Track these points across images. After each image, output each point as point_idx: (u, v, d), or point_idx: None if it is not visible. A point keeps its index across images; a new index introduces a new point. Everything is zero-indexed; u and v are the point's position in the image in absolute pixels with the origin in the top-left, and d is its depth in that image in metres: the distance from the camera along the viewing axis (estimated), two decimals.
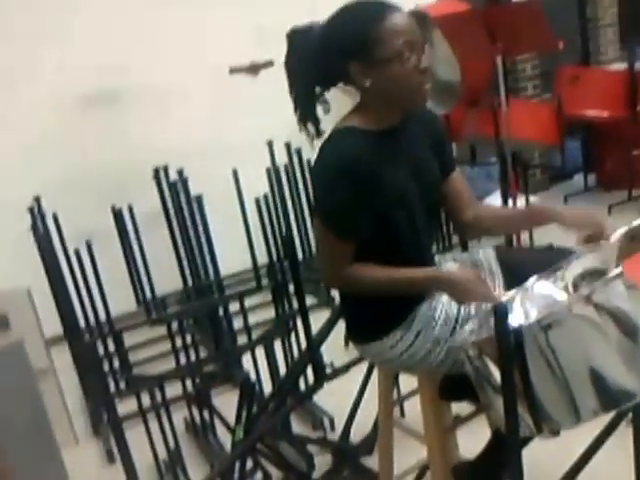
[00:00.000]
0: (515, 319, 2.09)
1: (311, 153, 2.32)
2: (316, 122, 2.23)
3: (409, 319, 2.21)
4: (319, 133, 2.24)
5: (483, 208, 2.46)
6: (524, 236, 4.65)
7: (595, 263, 2.15)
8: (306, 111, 2.22)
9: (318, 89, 2.22)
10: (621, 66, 5.85)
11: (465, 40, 4.56)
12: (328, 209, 2.14)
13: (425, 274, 2.19)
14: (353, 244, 2.15)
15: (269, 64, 4.82)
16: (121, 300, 4.54)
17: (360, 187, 2.06)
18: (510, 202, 4.41)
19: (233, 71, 5.16)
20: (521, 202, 4.85)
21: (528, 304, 2.19)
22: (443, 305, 2.21)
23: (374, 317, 2.24)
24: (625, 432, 2.30)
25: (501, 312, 1.70)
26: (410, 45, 2.03)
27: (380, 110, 2.15)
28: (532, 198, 5.19)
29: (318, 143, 2.22)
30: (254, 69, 5.11)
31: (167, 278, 4.81)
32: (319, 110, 2.24)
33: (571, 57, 6.38)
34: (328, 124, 2.23)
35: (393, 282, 2.16)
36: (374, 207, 2.11)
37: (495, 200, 4.98)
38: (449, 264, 2.42)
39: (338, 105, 2.27)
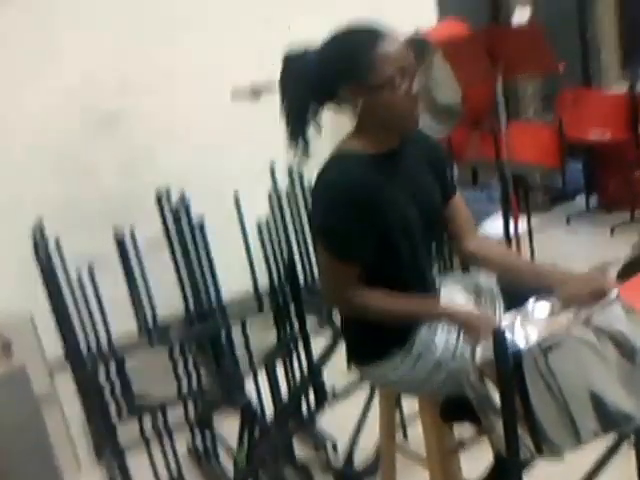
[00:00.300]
0: (515, 342, 2.10)
1: (310, 175, 2.33)
2: (305, 142, 2.24)
3: (410, 342, 2.21)
4: (307, 153, 2.25)
5: (484, 245, 2.41)
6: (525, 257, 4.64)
7: None
8: (297, 130, 2.23)
9: (311, 110, 2.23)
10: (622, 88, 5.87)
11: (466, 63, 4.59)
12: (330, 232, 2.14)
13: (440, 312, 2.19)
14: (357, 266, 2.15)
15: (271, 88, 4.85)
16: (123, 324, 4.53)
17: (361, 210, 2.07)
18: (512, 224, 4.41)
19: (235, 96, 5.20)
20: (523, 224, 4.85)
21: (528, 327, 2.19)
22: (444, 328, 2.21)
23: (375, 339, 2.24)
24: (627, 454, 2.30)
25: (500, 335, 1.70)
26: (402, 71, 2.04)
27: (377, 133, 2.16)
28: (534, 220, 5.20)
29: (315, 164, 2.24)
30: (255, 94, 5.14)
31: (169, 302, 4.80)
32: (311, 130, 2.25)
33: (572, 79, 6.40)
34: (323, 142, 2.24)
35: (402, 314, 2.16)
36: (375, 230, 2.11)
37: (496, 222, 4.99)
38: (455, 292, 2.42)
39: (337, 124, 2.28)
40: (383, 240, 2.14)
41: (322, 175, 2.16)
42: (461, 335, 2.16)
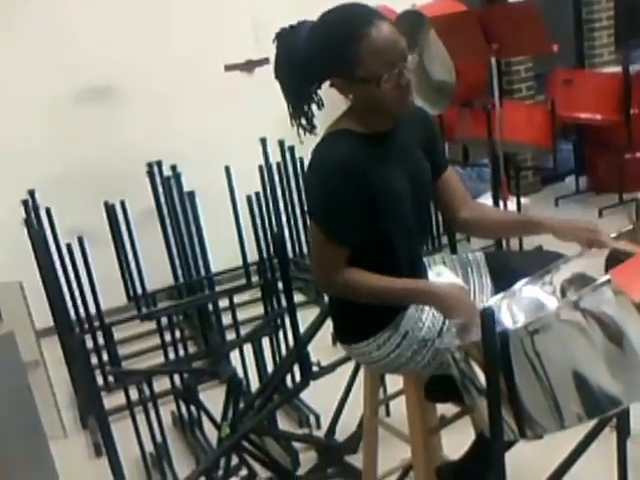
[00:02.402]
0: (502, 322, 2.11)
1: (303, 151, 2.32)
2: (308, 118, 2.23)
3: (396, 320, 2.21)
4: (312, 128, 2.24)
5: (477, 209, 2.43)
6: (514, 239, 4.65)
7: (583, 268, 2.17)
8: (298, 108, 2.22)
9: (309, 89, 2.22)
10: (615, 69, 5.85)
11: (460, 41, 4.58)
12: (325, 214, 2.13)
13: (416, 286, 2.19)
14: (347, 248, 2.15)
15: (264, 61, 4.84)
16: (112, 295, 4.55)
17: (353, 188, 2.06)
18: (501, 204, 4.42)
19: (228, 68, 5.18)
20: (512, 204, 4.86)
21: (515, 307, 2.21)
22: (431, 307, 2.21)
23: (361, 318, 2.24)
24: (609, 437, 2.31)
25: (488, 316, 1.70)
26: (389, 65, 2.01)
27: (369, 117, 2.15)
28: (523, 200, 5.20)
29: (308, 141, 2.23)
30: (249, 66, 5.13)
31: (158, 274, 4.82)
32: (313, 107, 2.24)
33: (566, 59, 6.38)
34: (318, 118, 2.23)
35: (388, 292, 2.16)
36: (367, 207, 2.11)
37: (486, 201, 4.99)
38: (439, 269, 2.42)
39: (332, 100, 2.27)
40: (375, 217, 2.14)
41: (315, 154, 2.15)
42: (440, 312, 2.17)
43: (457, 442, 2.50)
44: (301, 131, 2.24)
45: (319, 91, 2.22)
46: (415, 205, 2.21)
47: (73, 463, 3.54)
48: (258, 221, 4.29)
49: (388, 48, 2.01)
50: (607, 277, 1.73)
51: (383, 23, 2.02)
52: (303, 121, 2.22)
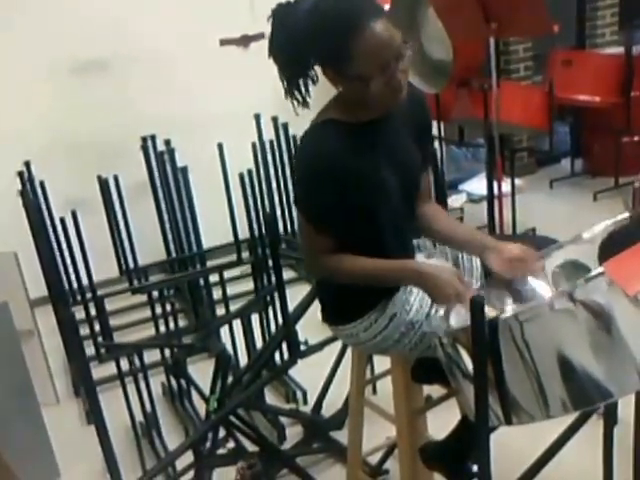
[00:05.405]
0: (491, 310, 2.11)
1: (297, 128, 2.30)
2: (301, 92, 2.18)
3: (384, 302, 2.22)
4: (305, 103, 2.21)
5: (432, 212, 2.42)
6: (506, 222, 4.65)
7: (576, 255, 2.17)
8: (292, 82, 2.19)
9: (304, 65, 2.19)
10: (617, 50, 5.79)
11: (459, 19, 4.54)
12: (305, 201, 2.14)
13: (404, 265, 2.19)
14: (332, 235, 2.15)
15: (260, 36, 4.81)
16: (104, 268, 4.57)
17: (340, 182, 2.05)
18: (495, 185, 4.40)
19: (224, 43, 5.16)
20: (506, 185, 4.85)
21: (506, 295, 2.21)
22: (419, 290, 2.21)
23: (349, 300, 2.25)
24: (596, 424, 2.32)
25: (477, 304, 1.70)
26: (381, 67, 1.96)
27: (357, 107, 2.12)
28: (518, 181, 5.20)
29: (302, 117, 2.22)
30: (245, 41, 5.10)
31: (151, 248, 4.83)
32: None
33: (566, 38, 6.32)
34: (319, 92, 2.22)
35: (372, 274, 2.17)
36: (355, 200, 2.11)
37: (480, 182, 4.98)
38: (429, 252, 2.43)
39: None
40: (361, 207, 2.13)
41: (302, 144, 2.15)
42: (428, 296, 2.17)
43: (442, 422, 2.52)
44: (295, 103, 2.21)
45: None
46: (404, 193, 2.20)
47: (65, 430, 3.59)
48: (250, 199, 4.28)
49: (380, 50, 1.95)
50: (601, 269, 1.72)
51: (378, 21, 1.95)
52: (297, 94, 2.20)
